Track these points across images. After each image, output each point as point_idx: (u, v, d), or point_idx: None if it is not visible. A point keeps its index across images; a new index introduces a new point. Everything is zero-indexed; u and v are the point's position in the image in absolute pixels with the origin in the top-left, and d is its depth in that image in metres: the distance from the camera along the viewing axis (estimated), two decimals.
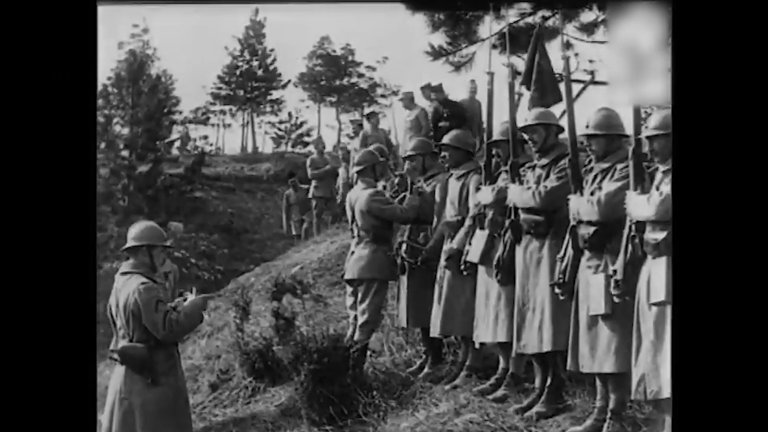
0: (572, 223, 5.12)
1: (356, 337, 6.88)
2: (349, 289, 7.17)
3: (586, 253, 5.05)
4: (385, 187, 8.03)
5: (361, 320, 6.95)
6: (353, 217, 7.16)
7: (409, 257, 6.85)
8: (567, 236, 5.15)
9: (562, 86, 5.99)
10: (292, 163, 14.81)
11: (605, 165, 5.09)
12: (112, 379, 5.41)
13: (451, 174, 6.68)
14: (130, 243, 5.49)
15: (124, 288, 5.38)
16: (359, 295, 7.03)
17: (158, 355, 5.35)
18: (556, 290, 5.20)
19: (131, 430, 5.27)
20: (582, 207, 5.05)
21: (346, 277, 7.18)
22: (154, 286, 5.39)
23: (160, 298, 5.36)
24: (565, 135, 5.54)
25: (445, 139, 6.74)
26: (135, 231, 5.52)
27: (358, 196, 7.11)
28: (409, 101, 12.56)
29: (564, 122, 5.59)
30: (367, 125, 13.16)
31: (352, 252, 7.16)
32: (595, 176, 5.12)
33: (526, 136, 5.73)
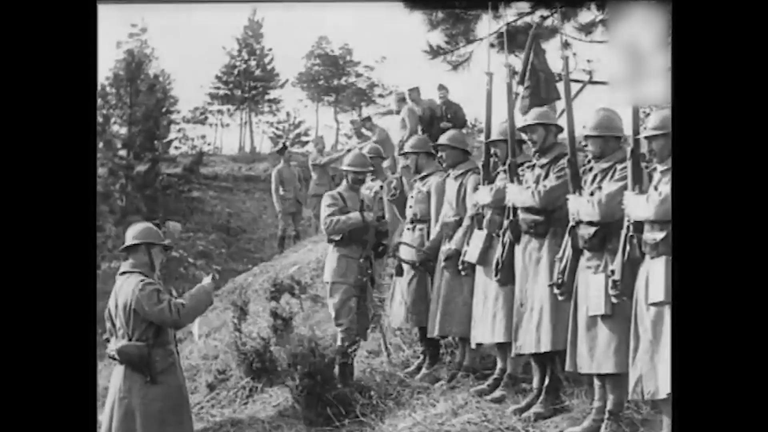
0: (572, 223, 5.12)
1: (338, 342, 6.87)
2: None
3: (586, 254, 5.05)
4: (381, 188, 8.03)
5: (338, 326, 6.93)
6: None
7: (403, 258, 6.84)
8: (566, 236, 5.15)
9: (559, 85, 5.98)
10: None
11: (605, 165, 5.08)
12: (111, 378, 5.41)
13: (449, 174, 6.66)
14: (129, 242, 5.49)
15: (123, 287, 5.39)
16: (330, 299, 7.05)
17: (157, 353, 5.36)
18: (555, 291, 5.20)
19: (131, 428, 5.27)
20: (582, 207, 5.05)
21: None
22: (152, 281, 5.41)
23: (159, 289, 5.38)
24: (564, 135, 5.54)
25: (442, 139, 6.73)
26: (133, 231, 5.55)
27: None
28: (399, 101, 12.62)
29: (563, 122, 5.59)
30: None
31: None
32: (595, 176, 5.12)
33: (525, 136, 5.72)
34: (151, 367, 5.31)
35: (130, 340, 5.33)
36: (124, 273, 5.48)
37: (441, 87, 12.29)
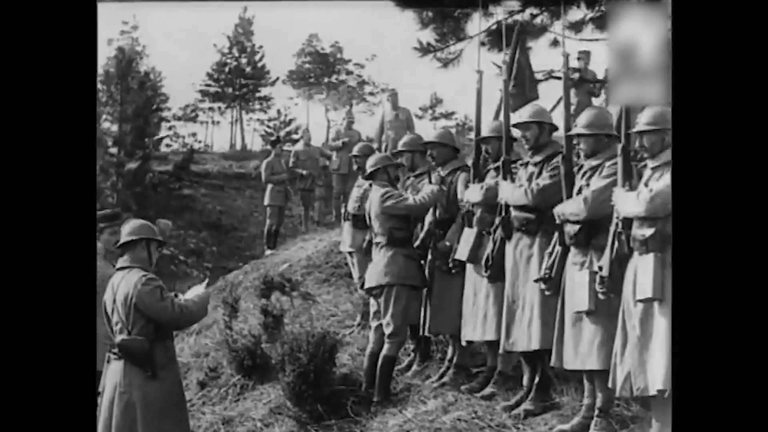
0: (558, 220, 5.14)
1: (384, 351, 6.45)
2: (372, 300, 6.81)
3: (572, 250, 5.06)
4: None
5: (387, 331, 6.44)
6: (371, 223, 6.72)
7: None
8: (556, 233, 5.16)
9: (552, 84, 6.01)
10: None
11: (595, 162, 5.10)
12: (108, 374, 5.37)
13: (437, 172, 6.66)
14: (127, 238, 5.46)
15: (123, 282, 5.34)
16: (381, 305, 6.54)
17: (157, 348, 5.33)
18: (542, 286, 5.22)
19: (132, 423, 5.24)
20: (568, 205, 5.08)
21: (366, 285, 6.71)
22: (155, 277, 5.38)
23: (162, 286, 5.36)
24: (558, 134, 5.56)
25: (431, 137, 6.74)
26: (130, 227, 5.52)
27: (372, 199, 6.69)
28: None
29: (557, 120, 5.61)
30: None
31: (370, 260, 6.76)
32: (584, 173, 5.14)
33: (518, 134, 5.73)
34: (152, 362, 5.29)
35: (129, 334, 5.30)
36: (122, 268, 5.45)
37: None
